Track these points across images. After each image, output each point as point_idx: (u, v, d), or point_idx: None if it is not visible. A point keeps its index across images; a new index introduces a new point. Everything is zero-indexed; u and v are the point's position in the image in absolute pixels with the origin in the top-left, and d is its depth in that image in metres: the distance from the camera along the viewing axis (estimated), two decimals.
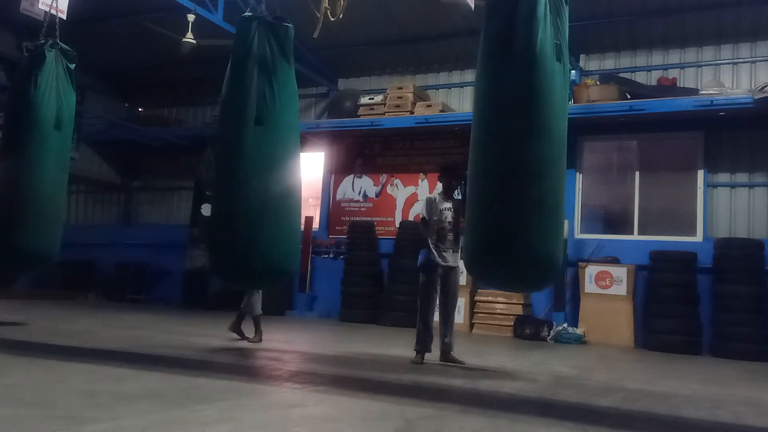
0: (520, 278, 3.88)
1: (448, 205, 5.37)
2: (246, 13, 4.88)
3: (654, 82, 9.57)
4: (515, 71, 3.71)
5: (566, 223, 7.35)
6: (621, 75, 9.72)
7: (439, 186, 5.59)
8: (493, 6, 3.94)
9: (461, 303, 9.29)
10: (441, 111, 10.31)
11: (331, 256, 11.24)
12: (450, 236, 5.31)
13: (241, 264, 4.52)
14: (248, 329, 6.25)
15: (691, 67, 9.60)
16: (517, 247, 3.64)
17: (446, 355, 5.31)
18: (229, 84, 4.71)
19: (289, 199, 4.65)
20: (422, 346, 5.27)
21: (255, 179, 4.46)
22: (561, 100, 3.82)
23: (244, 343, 6.07)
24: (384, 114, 10.53)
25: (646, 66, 9.90)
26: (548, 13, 3.75)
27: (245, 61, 4.66)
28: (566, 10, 3.92)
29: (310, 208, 12.12)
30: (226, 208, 4.56)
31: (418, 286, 5.42)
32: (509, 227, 3.64)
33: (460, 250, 5.33)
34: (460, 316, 9.22)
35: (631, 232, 9.51)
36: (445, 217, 5.31)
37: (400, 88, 10.64)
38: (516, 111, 3.69)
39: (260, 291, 6.23)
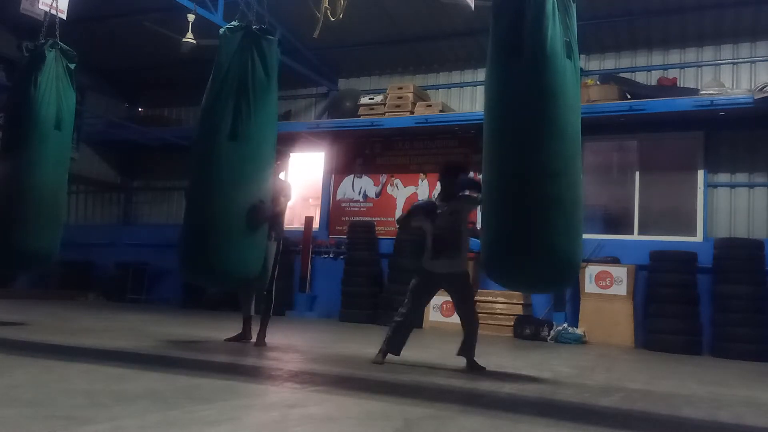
0: (541, 278, 3.85)
1: (447, 208, 4.92)
2: (232, 23, 4.86)
3: (654, 82, 9.57)
4: (526, 70, 3.71)
5: None
6: (621, 75, 9.72)
7: (438, 187, 5.26)
8: (501, 5, 3.93)
9: None
10: (441, 111, 10.31)
11: (331, 256, 11.24)
12: (447, 240, 4.87)
13: (206, 269, 4.74)
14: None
15: (691, 67, 9.60)
16: (538, 247, 3.62)
17: (470, 364, 4.98)
18: (208, 96, 4.76)
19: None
20: (389, 348, 5.00)
21: (224, 192, 4.56)
22: (573, 97, 3.81)
23: (243, 344, 6.05)
24: (384, 114, 10.53)
25: (646, 66, 9.90)
26: (556, 10, 3.75)
27: (226, 74, 4.70)
28: (573, 7, 3.91)
29: (310, 208, 12.13)
30: (196, 217, 4.67)
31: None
32: (528, 227, 3.63)
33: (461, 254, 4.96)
34: None
35: (631, 232, 9.52)
36: (444, 222, 4.88)
37: (400, 88, 10.64)
38: (529, 110, 3.68)
39: (252, 292, 6.14)
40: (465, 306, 5.03)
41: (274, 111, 4.98)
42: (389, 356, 5.05)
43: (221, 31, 4.86)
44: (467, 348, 5.02)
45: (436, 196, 5.21)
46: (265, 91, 4.80)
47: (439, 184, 5.20)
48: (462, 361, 5.10)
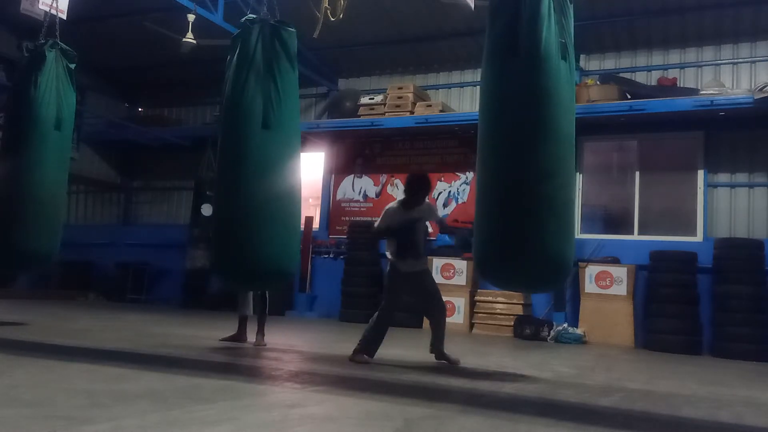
0: (533, 278, 3.85)
1: (412, 216, 5.16)
2: (249, 15, 4.88)
3: (654, 82, 9.57)
4: (521, 71, 3.71)
5: None
6: (621, 75, 9.72)
7: (401, 195, 5.38)
8: (497, 6, 3.93)
9: (461, 303, 9.30)
10: (441, 111, 10.31)
11: (331, 256, 11.24)
12: (410, 245, 5.13)
13: (246, 266, 4.61)
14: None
15: (691, 67, 9.60)
16: (529, 247, 3.63)
17: (440, 354, 5.21)
18: (234, 86, 4.71)
19: (292, 202, 4.75)
20: (365, 349, 5.07)
21: (261, 182, 4.53)
22: (568, 98, 3.81)
23: (245, 343, 6.07)
24: (384, 114, 10.53)
25: (646, 66, 9.90)
26: (552, 11, 3.75)
27: (251, 63, 4.68)
28: (571, 8, 3.91)
29: (310, 208, 12.13)
30: (231, 210, 4.62)
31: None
32: (520, 227, 3.63)
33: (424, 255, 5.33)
34: (460, 316, 9.24)
35: (631, 232, 9.51)
36: (409, 229, 5.13)
37: (400, 88, 10.64)
38: (521, 111, 3.68)
39: (251, 293, 6.14)
40: (434, 299, 5.25)
41: (298, 99, 5.00)
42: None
43: (242, 20, 4.85)
44: (438, 342, 5.21)
45: (398, 203, 5.27)
46: (290, 80, 4.82)
47: (405, 192, 5.30)
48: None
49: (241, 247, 4.53)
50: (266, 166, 4.57)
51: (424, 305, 5.41)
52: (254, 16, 4.86)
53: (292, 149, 4.79)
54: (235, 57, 4.76)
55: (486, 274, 3.96)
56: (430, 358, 5.42)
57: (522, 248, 3.66)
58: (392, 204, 5.32)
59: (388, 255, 5.20)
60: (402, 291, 5.27)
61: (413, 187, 5.26)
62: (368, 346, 5.09)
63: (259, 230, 4.49)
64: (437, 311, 5.28)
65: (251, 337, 6.06)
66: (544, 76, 3.67)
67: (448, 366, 5.12)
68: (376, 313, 5.17)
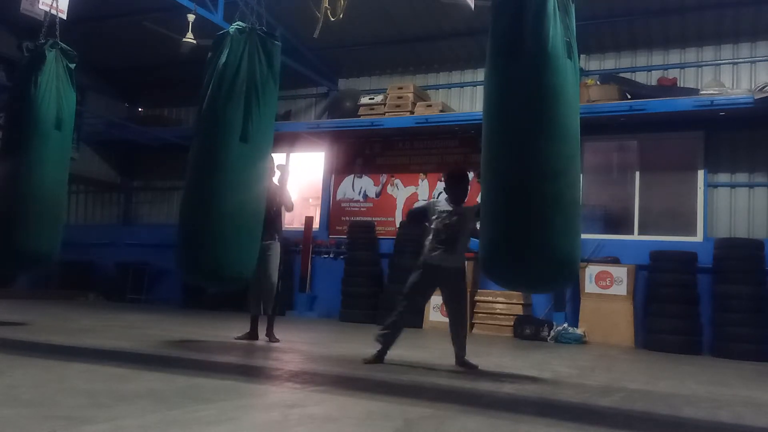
0: (539, 278, 3.83)
1: (453, 210, 5.13)
2: (237, 23, 4.85)
3: (654, 82, 9.58)
4: (526, 70, 3.70)
5: None
6: (621, 75, 9.72)
7: (444, 192, 5.41)
8: (501, 5, 3.92)
9: None
10: (441, 111, 10.31)
11: (331, 256, 11.24)
12: (443, 236, 5.05)
13: (212, 271, 4.76)
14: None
15: (691, 67, 9.60)
16: (536, 247, 3.61)
17: (460, 360, 5.13)
18: (216, 96, 4.70)
19: (258, 211, 4.88)
20: (385, 344, 5.07)
21: (234, 193, 4.61)
22: (573, 97, 3.80)
23: (244, 343, 6.09)
24: (384, 114, 10.54)
25: (646, 66, 9.90)
26: (557, 10, 3.74)
27: (235, 75, 4.68)
28: (573, 7, 3.91)
29: (310, 208, 12.13)
30: (201, 218, 4.68)
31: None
32: (526, 227, 3.62)
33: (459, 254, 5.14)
34: None
35: (632, 232, 9.52)
36: (442, 220, 5.09)
37: (400, 88, 10.64)
38: (529, 109, 3.67)
39: (259, 291, 6.29)
40: (456, 303, 5.17)
41: (275, 115, 5.07)
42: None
43: (231, 30, 4.82)
44: (460, 347, 5.13)
45: (439, 197, 5.29)
46: (271, 94, 4.85)
47: (446, 189, 5.32)
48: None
49: (209, 254, 4.65)
50: (240, 178, 4.65)
51: (450, 304, 5.29)
52: (243, 24, 4.84)
53: (264, 163, 4.91)
54: (219, 65, 4.74)
55: (492, 274, 3.94)
56: (430, 358, 5.42)
57: (529, 248, 3.64)
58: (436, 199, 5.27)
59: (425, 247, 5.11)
60: (426, 291, 5.20)
61: (451, 183, 5.28)
62: (386, 343, 5.07)
63: (228, 239, 4.61)
64: (463, 318, 5.22)
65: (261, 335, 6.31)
66: (552, 74, 3.66)
67: (447, 366, 5.12)
68: (397, 310, 5.09)
